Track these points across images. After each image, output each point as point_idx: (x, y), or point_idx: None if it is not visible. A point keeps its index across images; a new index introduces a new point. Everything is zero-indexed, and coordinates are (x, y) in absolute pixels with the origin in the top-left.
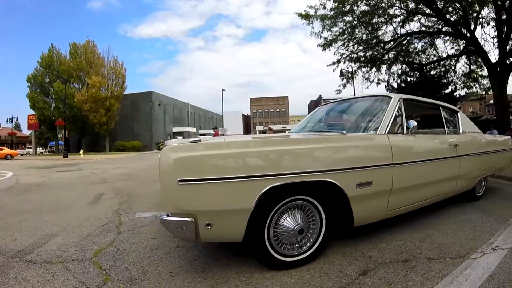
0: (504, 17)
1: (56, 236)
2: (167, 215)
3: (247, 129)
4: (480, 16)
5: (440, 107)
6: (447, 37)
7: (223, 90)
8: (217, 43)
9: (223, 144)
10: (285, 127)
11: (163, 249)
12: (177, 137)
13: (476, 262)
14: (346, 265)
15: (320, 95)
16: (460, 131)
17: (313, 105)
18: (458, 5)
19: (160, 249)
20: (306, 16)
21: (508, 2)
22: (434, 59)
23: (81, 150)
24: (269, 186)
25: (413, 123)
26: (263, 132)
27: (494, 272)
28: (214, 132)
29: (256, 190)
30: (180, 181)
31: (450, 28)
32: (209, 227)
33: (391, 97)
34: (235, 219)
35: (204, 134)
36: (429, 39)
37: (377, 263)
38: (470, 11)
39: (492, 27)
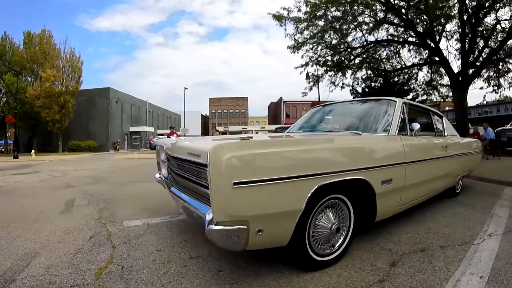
0: (468, 31)
1: (38, 256)
2: (214, 224)
3: (205, 130)
4: (445, 29)
5: (430, 112)
6: (412, 47)
7: (185, 88)
8: (178, 40)
9: (274, 142)
10: (246, 128)
11: (177, 262)
12: (141, 137)
13: (481, 247)
14: (373, 259)
15: (281, 97)
16: (446, 134)
17: (274, 106)
18: (426, 17)
19: (173, 262)
20: (279, 18)
21: (473, 18)
22: (399, 67)
23: (33, 151)
24: (317, 186)
25: (417, 125)
26: (223, 133)
27: (498, 253)
28: (169, 132)
29: (306, 190)
30: (235, 184)
31: (416, 39)
32: (259, 233)
33: (395, 101)
34: (285, 222)
35: (162, 134)
36: (395, 48)
37: (400, 255)
38: (435, 24)
39: (456, 39)
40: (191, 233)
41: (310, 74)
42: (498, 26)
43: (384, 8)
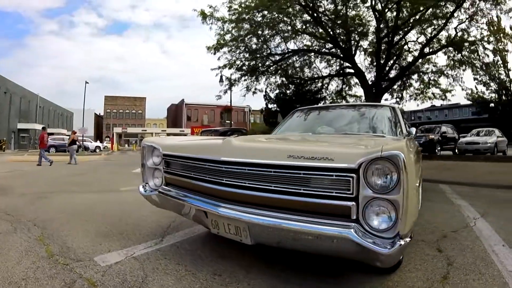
0: (383, 47)
1: None
2: (399, 238)
3: (98, 131)
4: (360, 44)
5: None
6: (325, 58)
7: (86, 82)
8: (73, 30)
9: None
10: (145, 130)
11: None
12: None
13: (479, 227)
14: (419, 252)
15: (183, 99)
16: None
17: (174, 108)
18: (344, 31)
19: None
20: (204, 15)
21: (390, 36)
22: (316, 76)
23: None
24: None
25: (414, 129)
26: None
27: (496, 229)
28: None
29: None
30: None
31: (336, 50)
32: None
33: (394, 107)
34: None
35: (52, 134)
36: (309, 57)
37: (433, 242)
38: (352, 39)
39: (371, 53)
40: (211, 261)
41: (224, 77)
42: (405, 46)
43: (310, 19)
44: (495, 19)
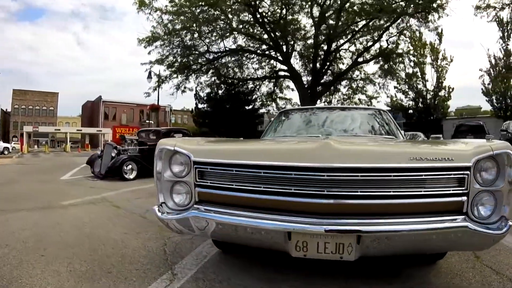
0: (321, 53)
1: None
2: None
3: (4, 130)
4: (299, 49)
5: None
6: (260, 59)
7: None
8: None
9: None
10: (59, 129)
11: None
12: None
13: None
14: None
15: (100, 96)
16: None
17: (90, 106)
18: (283, 34)
19: None
20: (141, 3)
21: (327, 43)
22: (249, 77)
23: None
24: None
25: (402, 132)
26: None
27: None
28: None
29: None
30: None
31: (273, 52)
32: None
33: (386, 111)
34: None
35: None
36: (243, 58)
37: None
38: (290, 43)
39: (308, 58)
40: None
41: (153, 73)
42: (341, 54)
43: (249, 19)
44: (418, 34)
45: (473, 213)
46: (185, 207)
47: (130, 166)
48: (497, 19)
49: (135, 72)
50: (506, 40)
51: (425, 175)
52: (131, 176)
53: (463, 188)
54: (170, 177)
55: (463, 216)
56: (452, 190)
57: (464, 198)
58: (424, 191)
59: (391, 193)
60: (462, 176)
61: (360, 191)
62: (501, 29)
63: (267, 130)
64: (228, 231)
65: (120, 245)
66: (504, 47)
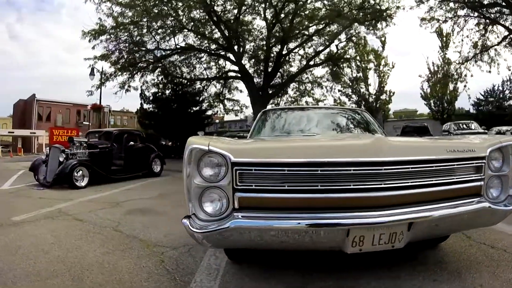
0: (273, 55)
1: None
2: None
3: None
4: (250, 50)
5: None
6: (208, 59)
7: None
8: None
9: None
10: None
11: None
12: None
13: None
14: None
15: (34, 94)
16: None
17: (23, 105)
18: (237, 34)
19: None
20: None
21: (279, 46)
22: (196, 77)
23: None
24: None
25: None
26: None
27: None
28: None
29: None
30: None
31: (225, 52)
32: None
33: (367, 111)
34: None
35: None
36: (191, 58)
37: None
38: (242, 43)
39: (260, 60)
40: None
41: (96, 70)
42: (292, 57)
43: (201, 18)
44: (362, 41)
45: (487, 195)
46: (220, 216)
47: (81, 172)
48: (438, 31)
49: (72, 70)
50: (444, 49)
51: (457, 164)
52: (83, 184)
53: (481, 174)
54: (201, 182)
55: (481, 198)
56: (474, 176)
57: (482, 182)
58: (456, 178)
59: (433, 182)
60: (481, 164)
61: (411, 182)
62: (440, 39)
63: (254, 129)
64: (280, 237)
65: (109, 268)
66: (442, 56)
